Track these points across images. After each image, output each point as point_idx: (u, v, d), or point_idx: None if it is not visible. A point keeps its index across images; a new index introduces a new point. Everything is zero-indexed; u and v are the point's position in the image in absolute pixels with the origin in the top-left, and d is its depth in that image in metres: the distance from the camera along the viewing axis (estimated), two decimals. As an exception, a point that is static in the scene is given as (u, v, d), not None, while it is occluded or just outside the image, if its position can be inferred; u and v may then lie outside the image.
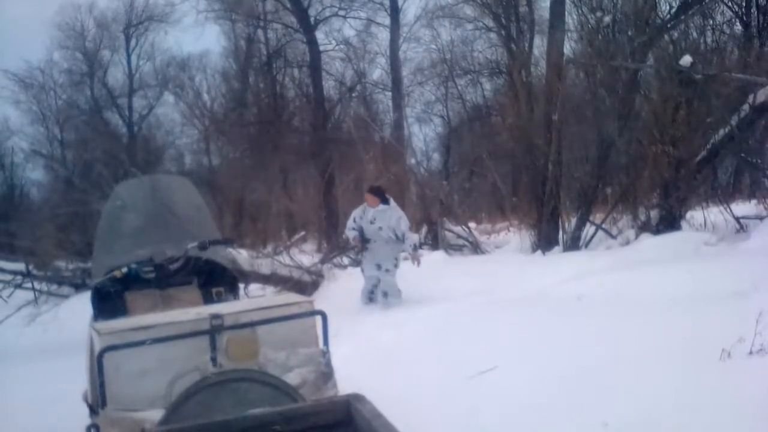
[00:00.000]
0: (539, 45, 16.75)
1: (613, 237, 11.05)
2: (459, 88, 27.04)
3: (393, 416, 1.97)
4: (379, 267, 8.64)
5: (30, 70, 32.41)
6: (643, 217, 10.78)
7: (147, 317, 3.03)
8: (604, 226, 11.30)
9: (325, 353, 3.06)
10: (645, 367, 4.37)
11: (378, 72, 27.55)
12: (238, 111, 26.97)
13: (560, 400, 4.11)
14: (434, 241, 13.53)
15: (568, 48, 12.90)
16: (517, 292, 8.00)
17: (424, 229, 14.04)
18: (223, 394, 2.55)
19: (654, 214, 10.61)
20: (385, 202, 8.73)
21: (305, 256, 12.54)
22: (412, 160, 18.28)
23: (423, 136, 28.52)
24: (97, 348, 2.73)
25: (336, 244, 13.78)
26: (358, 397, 2.09)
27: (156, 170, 20.17)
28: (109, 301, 3.81)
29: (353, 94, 26.54)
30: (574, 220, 11.41)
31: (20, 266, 11.00)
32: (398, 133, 21.78)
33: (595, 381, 4.30)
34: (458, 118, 27.77)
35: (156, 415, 2.56)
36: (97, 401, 2.87)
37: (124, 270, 3.72)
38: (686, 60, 9.94)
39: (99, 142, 21.44)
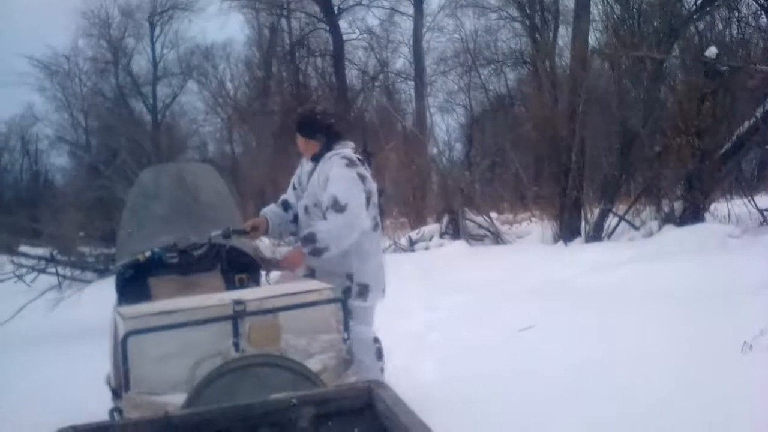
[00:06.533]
0: (564, 35, 16.66)
1: (636, 228, 11.00)
2: (482, 78, 26.91)
3: (416, 403, 1.99)
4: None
5: (55, 57, 32.77)
6: (666, 209, 10.72)
7: (170, 302, 3.05)
8: (627, 217, 11.24)
9: (346, 340, 3.08)
10: (666, 358, 4.37)
11: (401, 61, 27.59)
12: (261, 100, 27.03)
13: (578, 389, 4.11)
14: (455, 231, 13.53)
15: (593, 38, 12.83)
16: (539, 282, 7.98)
17: (446, 218, 14.03)
18: (245, 379, 2.57)
19: (678, 205, 10.55)
20: (328, 147, 4.28)
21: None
22: (434, 150, 18.28)
23: (445, 126, 28.48)
24: (121, 332, 2.76)
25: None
26: (379, 384, 2.11)
27: (179, 158, 20.28)
28: (132, 286, 3.85)
29: (376, 84, 26.55)
30: (596, 211, 11.36)
31: (44, 251, 11.12)
32: (420, 122, 21.77)
33: (617, 370, 4.30)
34: (481, 108, 27.67)
35: (179, 398, 2.58)
36: (121, 385, 2.91)
37: (147, 254, 3.76)
38: (711, 51, 9.87)
39: (123, 130, 21.54)
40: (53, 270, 10.88)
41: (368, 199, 4.16)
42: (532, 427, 3.72)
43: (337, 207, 4.03)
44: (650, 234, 10.31)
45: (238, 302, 2.84)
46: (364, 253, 4.24)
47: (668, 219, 10.48)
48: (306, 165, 4.41)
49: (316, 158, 4.28)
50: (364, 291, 4.27)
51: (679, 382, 3.90)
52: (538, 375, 4.52)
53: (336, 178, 4.11)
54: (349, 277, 4.21)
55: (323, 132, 4.30)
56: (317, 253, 4.06)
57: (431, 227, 14.41)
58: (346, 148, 4.28)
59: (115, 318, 3.05)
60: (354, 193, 4.08)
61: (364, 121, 22.68)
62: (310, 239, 4.06)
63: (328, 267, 4.14)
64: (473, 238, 13.27)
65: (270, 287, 3.45)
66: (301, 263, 4.16)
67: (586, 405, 3.86)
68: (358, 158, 4.26)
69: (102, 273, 10.35)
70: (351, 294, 4.19)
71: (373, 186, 4.27)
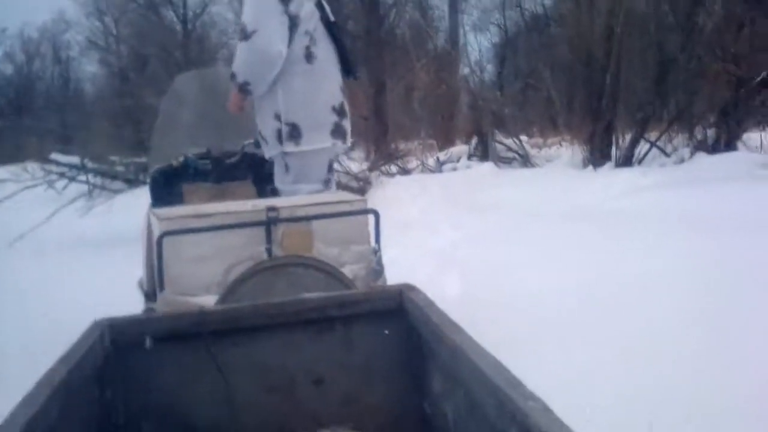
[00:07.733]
0: (603, -47, 16.19)
1: (668, 155, 10.89)
2: (518, -5, 26.30)
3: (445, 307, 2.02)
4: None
5: (86, -38, 32.39)
6: (699, 136, 10.60)
7: (205, 206, 3.10)
8: (659, 143, 11.12)
9: (377, 251, 3.12)
10: (683, 284, 4.36)
11: (435, -24, 26.89)
12: (291, 13, 26.63)
13: (605, 309, 4.14)
14: (484, 153, 13.46)
15: (633, -43, 12.45)
16: (567, 205, 7.96)
17: (475, 140, 13.94)
18: (278, 279, 2.63)
19: (711, 133, 10.43)
20: None
21: (353, 162, 12.51)
22: (466, 70, 18.06)
23: (478, 46, 28.00)
24: (157, 232, 2.82)
25: (385, 152, 13.80)
26: (410, 287, 2.14)
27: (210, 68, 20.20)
28: (166, 192, 3.92)
29: (409, -2, 26.02)
30: (628, 137, 11.23)
31: (74, 159, 11.21)
32: (453, 40, 21.44)
33: (641, 291, 4.32)
34: (516, 28, 27.11)
35: (212, 300, 2.65)
36: (154, 287, 2.98)
37: (181, 159, 3.81)
38: (752, -23, 9.63)
39: (154, 38, 21.45)
40: (83, 178, 10.99)
41: (293, 21, 3.66)
42: (554, 342, 3.76)
43: (244, 34, 3.64)
44: (681, 161, 10.21)
45: (271, 209, 2.88)
46: (291, 88, 3.73)
47: (700, 147, 10.37)
48: None
49: None
50: (295, 132, 3.76)
51: (694, 308, 3.91)
52: (564, 294, 4.55)
53: (247, 2, 3.73)
54: (277, 116, 3.75)
55: None
56: (244, 90, 3.72)
57: (459, 148, 14.36)
58: None
59: (151, 219, 3.10)
60: (263, 17, 3.62)
61: (394, 38, 22.31)
62: (232, 77, 3.72)
63: (257, 104, 3.83)
64: (501, 161, 13.19)
65: (303, 197, 3.48)
66: (240, 103, 3.85)
67: (612, 325, 3.90)
68: None
69: (132, 183, 10.46)
70: (282, 137, 3.77)
71: (307, 10, 3.77)
